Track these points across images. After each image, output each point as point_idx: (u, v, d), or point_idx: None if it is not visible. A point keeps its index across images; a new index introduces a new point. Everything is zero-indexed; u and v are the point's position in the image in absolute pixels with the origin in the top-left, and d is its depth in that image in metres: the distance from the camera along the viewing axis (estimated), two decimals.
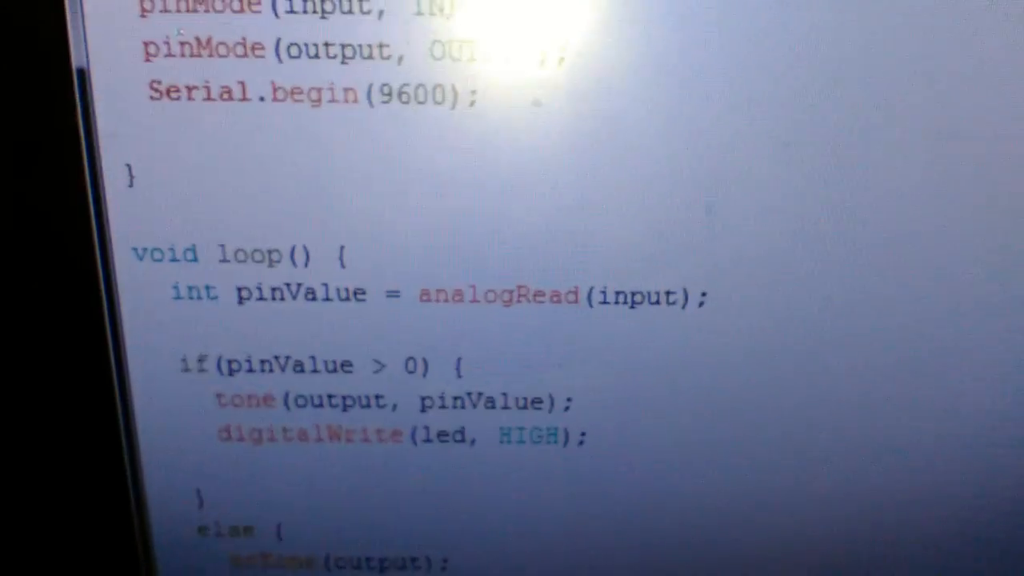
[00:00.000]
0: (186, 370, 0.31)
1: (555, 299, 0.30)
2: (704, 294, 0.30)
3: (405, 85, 0.28)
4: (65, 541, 0.33)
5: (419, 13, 0.27)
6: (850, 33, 0.27)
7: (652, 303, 0.30)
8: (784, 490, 0.33)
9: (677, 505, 0.33)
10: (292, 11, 0.27)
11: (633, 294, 0.30)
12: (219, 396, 0.31)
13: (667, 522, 0.33)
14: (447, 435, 0.32)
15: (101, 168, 0.29)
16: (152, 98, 0.28)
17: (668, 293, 0.30)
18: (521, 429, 0.32)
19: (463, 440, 0.32)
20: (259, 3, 0.27)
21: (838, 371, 0.31)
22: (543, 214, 0.29)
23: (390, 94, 0.28)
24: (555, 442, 0.32)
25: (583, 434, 0.32)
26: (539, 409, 0.32)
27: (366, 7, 0.27)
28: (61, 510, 0.33)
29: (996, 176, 0.28)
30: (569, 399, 0.32)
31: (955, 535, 0.34)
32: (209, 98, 0.28)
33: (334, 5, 0.27)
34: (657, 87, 0.28)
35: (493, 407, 0.32)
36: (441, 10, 0.27)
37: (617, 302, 0.30)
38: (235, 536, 0.33)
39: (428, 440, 0.32)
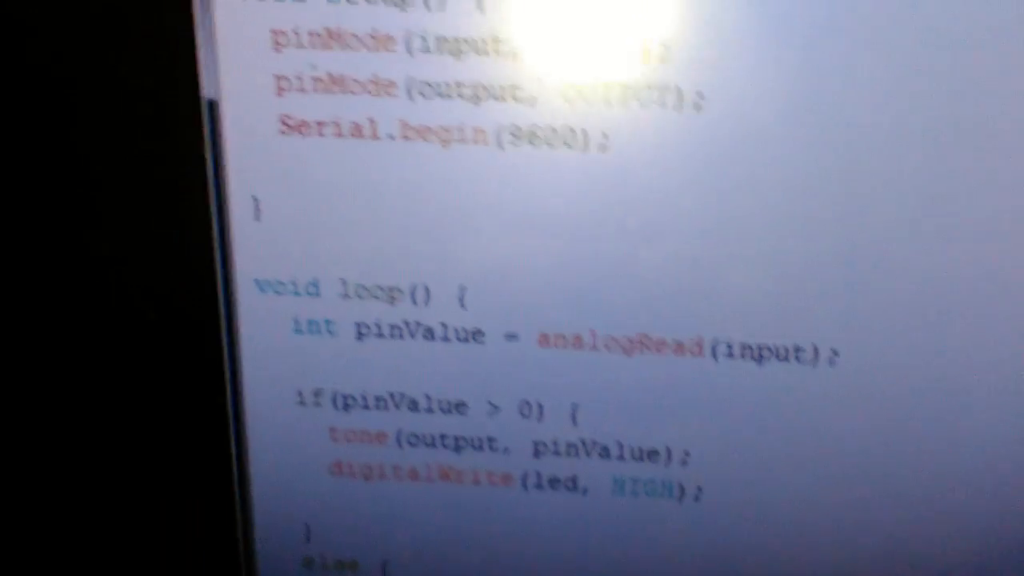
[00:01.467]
0: (301, 404, 0.31)
1: (678, 350, 0.30)
2: (836, 352, 0.29)
3: (536, 127, 0.27)
4: (173, 569, 0.34)
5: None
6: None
7: (780, 359, 0.29)
8: (915, 556, 0.32)
9: (793, 571, 0.32)
10: (426, 51, 0.27)
11: (760, 349, 0.29)
12: (332, 431, 0.32)
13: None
14: (559, 482, 0.32)
15: (228, 200, 0.29)
16: (282, 132, 0.28)
17: (797, 349, 0.29)
18: (636, 481, 0.31)
19: (575, 488, 0.32)
20: (393, 43, 0.27)
21: (979, 439, 0.30)
22: (670, 262, 0.28)
23: (520, 136, 0.27)
24: (671, 496, 0.32)
25: (700, 489, 0.31)
26: (655, 461, 0.31)
27: (501, 48, 0.27)
28: (170, 537, 0.34)
29: None
30: (687, 453, 0.31)
31: None
32: (339, 134, 0.28)
33: (468, 46, 0.27)
34: (795, 135, 0.27)
35: (608, 457, 0.31)
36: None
37: (743, 356, 0.29)
38: (340, 570, 0.34)
39: (539, 486, 0.32)
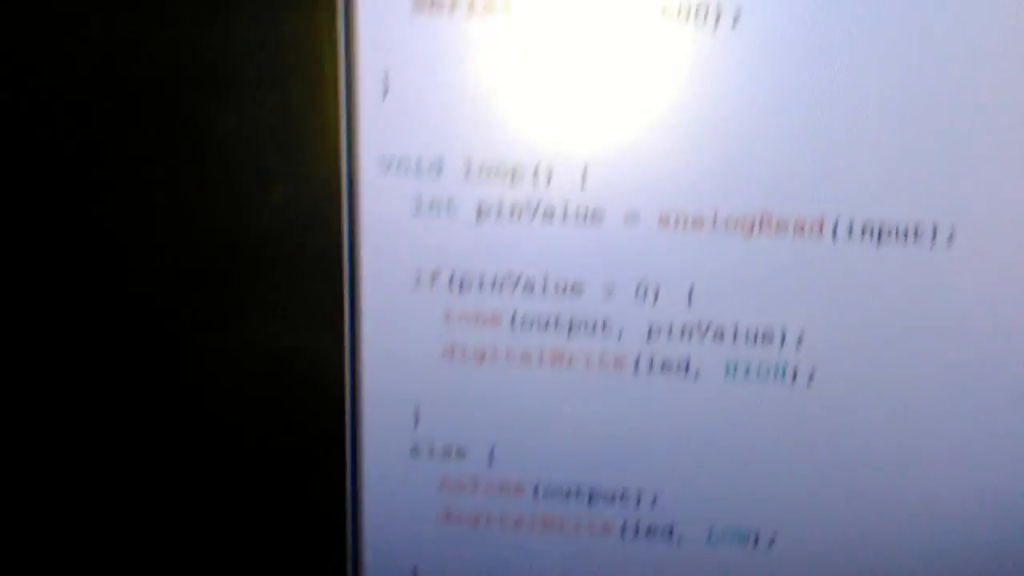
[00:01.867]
0: (418, 285, 0.32)
1: (798, 231, 0.30)
2: (952, 234, 0.30)
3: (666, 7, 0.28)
4: (274, 448, 0.35)
5: None
6: None
7: (899, 239, 0.30)
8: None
9: (901, 455, 0.33)
10: None
11: (880, 227, 0.30)
12: (447, 313, 0.32)
13: (891, 476, 0.33)
14: (671, 366, 0.32)
15: (357, 77, 0.30)
16: (414, 10, 0.29)
17: (917, 229, 0.30)
18: (748, 364, 0.32)
19: (687, 372, 0.32)
20: None
21: None
22: (793, 137, 0.29)
23: (652, 10, 0.28)
24: (783, 379, 0.32)
25: (812, 373, 0.32)
26: (769, 344, 0.32)
27: None
28: (274, 412, 0.34)
29: None
30: (801, 335, 0.31)
31: None
32: (470, 13, 0.28)
33: None
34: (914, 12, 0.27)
35: (721, 340, 0.32)
36: None
37: (863, 236, 0.30)
38: (446, 458, 0.34)
39: (651, 370, 0.32)
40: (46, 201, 0.32)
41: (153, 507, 0.35)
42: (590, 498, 0.34)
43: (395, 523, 0.35)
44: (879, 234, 0.30)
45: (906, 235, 0.30)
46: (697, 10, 0.28)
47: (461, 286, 0.32)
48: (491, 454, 0.34)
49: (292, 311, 0.32)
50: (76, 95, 0.31)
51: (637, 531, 0.34)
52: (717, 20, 0.28)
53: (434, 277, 0.32)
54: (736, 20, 0.28)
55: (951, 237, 0.30)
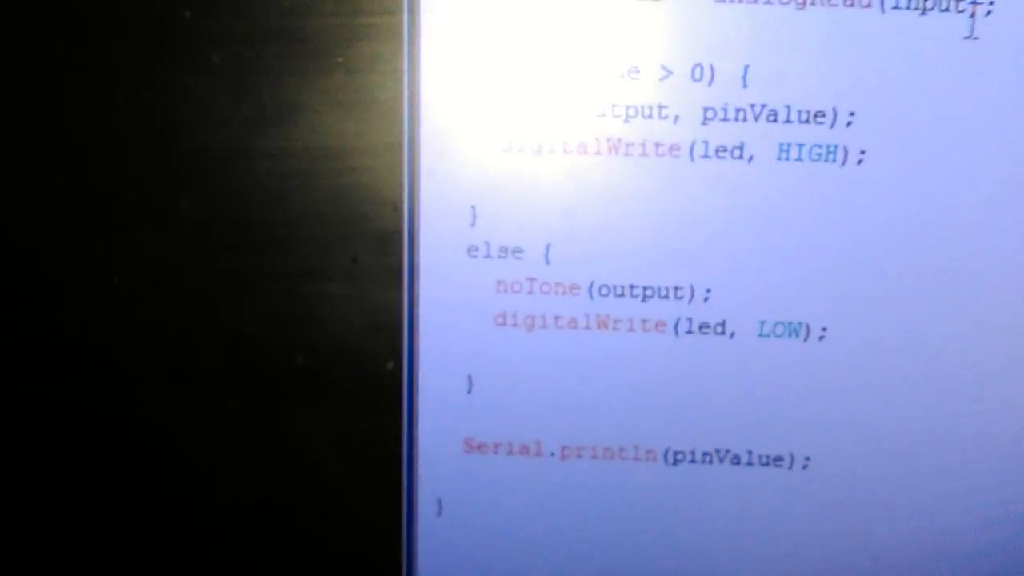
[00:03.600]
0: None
1: (847, 3, 0.32)
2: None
3: None
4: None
5: None
6: None
7: (942, 9, 0.32)
8: None
9: (952, 242, 0.34)
10: None
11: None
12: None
13: (936, 265, 0.34)
14: (725, 150, 0.34)
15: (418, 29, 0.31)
16: None
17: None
18: (800, 145, 0.33)
19: (741, 156, 0.34)
20: None
21: None
22: None
23: None
24: (834, 160, 0.34)
25: (862, 152, 0.33)
26: (821, 123, 0.33)
27: None
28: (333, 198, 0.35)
29: None
30: (852, 113, 0.33)
31: None
32: None
33: None
34: None
35: (775, 120, 0.33)
36: None
37: (909, 6, 0.32)
38: (503, 256, 0.35)
39: (706, 155, 0.34)
40: (91, 175, 0.33)
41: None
42: (644, 296, 0.35)
43: (451, 326, 0.36)
44: (923, 5, 0.32)
45: (947, 7, 0.32)
46: None
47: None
48: (547, 253, 0.35)
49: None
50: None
51: (690, 328, 0.36)
52: None
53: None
54: None
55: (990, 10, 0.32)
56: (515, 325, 0.36)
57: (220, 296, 0.35)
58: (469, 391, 0.36)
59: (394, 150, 0.34)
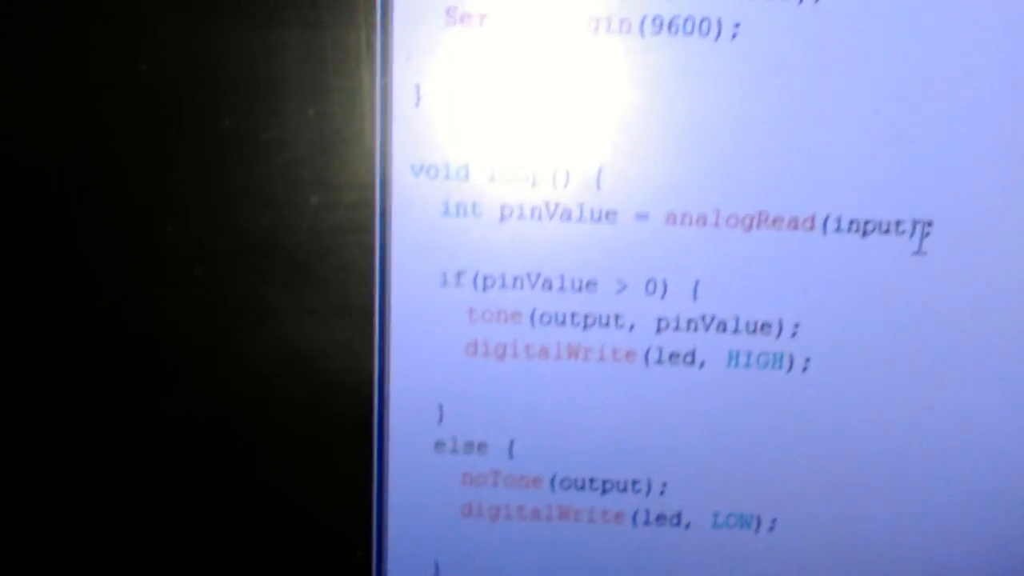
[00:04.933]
0: (444, 284, 0.35)
1: (792, 225, 0.34)
2: (930, 225, 0.34)
3: (677, 17, 0.32)
4: (302, 444, 0.37)
5: None
6: None
7: (883, 232, 0.34)
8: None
9: (901, 439, 0.37)
10: None
11: (865, 223, 0.34)
12: (471, 311, 0.36)
13: (890, 456, 0.37)
14: (678, 357, 0.36)
15: (391, 88, 0.34)
16: (447, 24, 0.33)
17: (898, 223, 0.34)
18: (749, 353, 0.36)
19: (693, 362, 0.36)
20: None
21: None
22: (785, 143, 0.34)
23: (662, 27, 0.33)
24: (780, 367, 0.36)
25: (807, 360, 0.36)
26: (768, 334, 0.36)
27: None
28: (302, 408, 0.37)
29: None
30: (797, 325, 0.36)
31: None
32: (501, 27, 0.33)
33: None
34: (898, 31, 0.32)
35: (724, 331, 0.36)
36: None
37: (850, 231, 0.34)
38: (469, 452, 0.37)
39: (660, 361, 0.36)
40: (85, 202, 0.35)
41: (178, 501, 0.38)
42: (604, 488, 0.38)
43: (418, 516, 0.38)
44: (864, 229, 0.34)
45: (888, 230, 0.34)
46: (700, 23, 0.32)
47: (484, 285, 0.35)
48: (511, 448, 0.37)
49: (326, 310, 0.36)
50: (119, 103, 0.34)
51: (648, 519, 0.38)
52: (718, 33, 0.33)
53: (459, 276, 0.35)
54: (735, 35, 0.33)
55: (928, 232, 0.34)
56: (480, 515, 0.38)
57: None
58: None
59: (366, 355, 0.36)
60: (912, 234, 0.35)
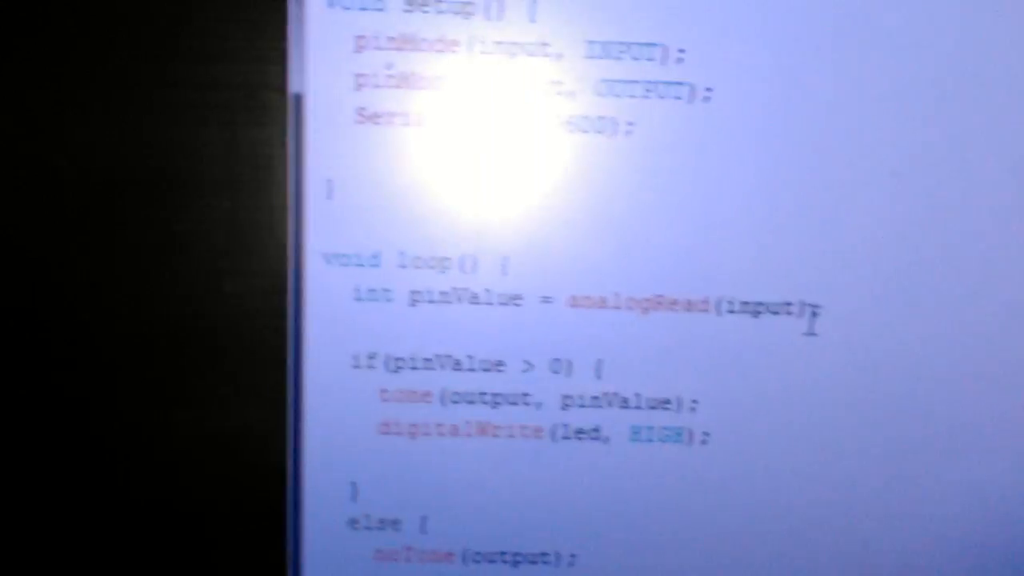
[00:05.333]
0: (356, 366, 0.37)
1: (688, 308, 0.37)
2: (816, 307, 0.37)
3: (573, 117, 0.35)
4: (217, 524, 0.38)
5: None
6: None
7: (772, 313, 0.37)
8: (915, 487, 0.39)
9: (796, 506, 0.39)
10: (485, 52, 0.34)
11: (756, 304, 0.37)
12: (382, 392, 0.37)
13: (786, 522, 0.39)
14: (584, 433, 0.38)
15: (304, 180, 0.35)
16: (357, 122, 0.35)
17: (786, 304, 0.37)
18: (651, 428, 0.38)
19: (598, 438, 0.38)
20: (457, 45, 0.34)
21: (953, 387, 0.38)
22: (679, 230, 0.36)
23: (562, 125, 0.35)
24: (680, 441, 0.38)
25: (706, 434, 0.38)
26: (668, 410, 0.38)
27: (545, 50, 0.34)
28: (218, 492, 0.38)
29: None
30: (695, 401, 0.38)
31: None
32: (407, 124, 0.35)
33: (520, 49, 0.34)
34: (787, 129, 0.35)
35: (627, 407, 0.38)
36: None
37: (741, 311, 0.37)
38: (382, 529, 0.38)
39: (567, 437, 0.38)
40: (2, 290, 0.36)
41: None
42: (515, 562, 0.39)
43: None
44: (756, 310, 0.37)
45: (777, 311, 0.37)
46: (597, 121, 0.35)
47: (396, 367, 0.37)
48: (423, 524, 0.39)
49: (241, 393, 0.37)
50: (38, 194, 0.35)
51: None
52: (615, 130, 0.35)
53: (371, 358, 0.37)
54: (629, 133, 0.35)
55: (816, 314, 0.37)
56: None
57: None
58: None
59: (279, 436, 0.37)
60: (801, 315, 0.37)
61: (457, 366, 0.37)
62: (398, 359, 0.37)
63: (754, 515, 0.39)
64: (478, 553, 0.39)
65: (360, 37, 0.34)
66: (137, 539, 0.38)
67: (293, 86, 0.35)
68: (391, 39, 0.34)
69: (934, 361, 0.37)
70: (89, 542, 0.38)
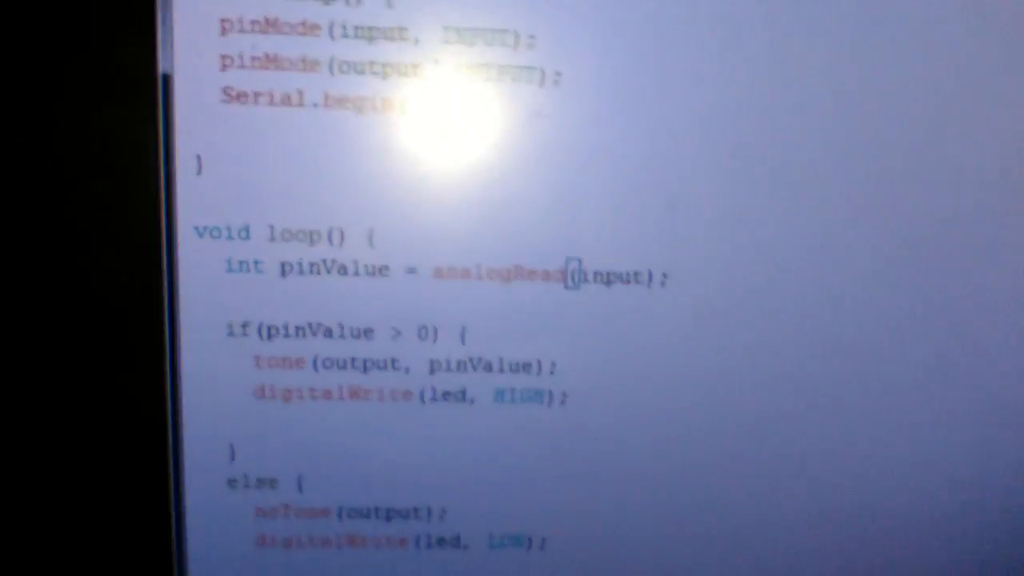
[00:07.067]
0: (231, 335, 0.39)
1: (544, 278, 0.40)
2: (665, 275, 0.40)
3: (433, 101, 0.37)
4: (100, 488, 0.41)
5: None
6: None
7: (623, 283, 0.40)
8: (759, 444, 0.42)
9: (647, 461, 0.42)
10: (345, 36, 0.36)
11: (608, 273, 0.40)
12: (257, 358, 0.40)
13: (640, 480, 0.43)
14: (451, 395, 0.41)
15: (175, 158, 0.37)
16: (224, 101, 0.37)
17: (636, 273, 0.40)
18: (513, 390, 0.41)
19: (464, 400, 0.41)
20: (318, 29, 0.36)
21: (788, 351, 0.41)
22: (537, 205, 0.39)
23: (420, 107, 0.37)
24: (541, 402, 0.41)
25: (565, 395, 0.41)
26: (529, 373, 0.41)
27: (403, 35, 0.36)
28: (100, 457, 0.40)
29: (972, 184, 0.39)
30: (554, 364, 0.41)
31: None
32: (272, 103, 0.37)
33: (379, 33, 0.36)
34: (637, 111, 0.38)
35: (491, 371, 0.41)
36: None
37: (595, 281, 0.40)
38: (261, 488, 0.41)
39: (434, 399, 0.41)
40: None
41: None
42: (388, 516, 0.42)
43: (216, 549, 0.41)
44: (608, 279, 0.40)
45: (628, 281, 0.40)
46: (454, 103, 0.37)
47: (269, 335, 0.39)
48: (300, 482, 0.41)
49: (119, 363, 0.39)
50: None
51: (429, 543, 0.42)
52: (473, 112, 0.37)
53: (245, 327, 0.39)
54: (479, 122, 0.37)
55: (663, 284, 0.40)
56: (274, 545, 0.42)
57: None
58: None
59: (158, 401, 0.40)
60: (650, 283, 0.40)
61: (328, 334, 0.40)
62: (271, 327, 0.39)
63: (608, 470, 0.42)
64: (353, 509, 0.42)
65: (225, 20, 0.36)
66: (18, 505, 0.40)
67: (162, 67, 0.37)
68: (254, 22, 0.36)
69: (772, 324, 0.41)
70: None
